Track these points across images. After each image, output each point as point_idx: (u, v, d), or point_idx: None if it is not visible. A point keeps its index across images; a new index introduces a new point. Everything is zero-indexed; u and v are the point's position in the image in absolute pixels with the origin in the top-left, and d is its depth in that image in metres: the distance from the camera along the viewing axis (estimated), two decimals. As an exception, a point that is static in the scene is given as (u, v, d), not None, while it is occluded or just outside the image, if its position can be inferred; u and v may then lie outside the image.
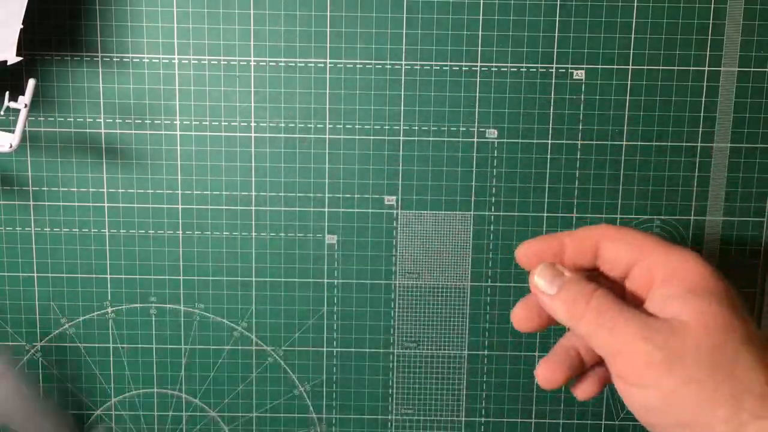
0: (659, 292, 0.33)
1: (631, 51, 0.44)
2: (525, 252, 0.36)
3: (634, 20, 0.44)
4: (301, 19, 0.44)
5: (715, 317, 0.31)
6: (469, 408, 0.48)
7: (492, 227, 0.46)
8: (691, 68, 0.45)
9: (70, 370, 0.48)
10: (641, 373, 0.31)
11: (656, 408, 0.31)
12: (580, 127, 0.45)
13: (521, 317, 0.37)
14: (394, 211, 0.46)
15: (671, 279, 0.33)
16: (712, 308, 0.32)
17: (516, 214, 0.46)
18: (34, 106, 0.45)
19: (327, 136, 0.45)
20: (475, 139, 0.45)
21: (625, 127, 0.45)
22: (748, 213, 0.46)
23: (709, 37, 0.44)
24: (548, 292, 0.35)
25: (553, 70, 0.45)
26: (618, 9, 0.44)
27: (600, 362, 0.36)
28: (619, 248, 0.35)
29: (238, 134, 0.45)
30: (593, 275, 0.36)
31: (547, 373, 0.36)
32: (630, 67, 0.45)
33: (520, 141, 0.45)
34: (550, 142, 0.45)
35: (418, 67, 0.45)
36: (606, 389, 0.48)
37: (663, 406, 0.31)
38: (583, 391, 0.37)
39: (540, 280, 0.35)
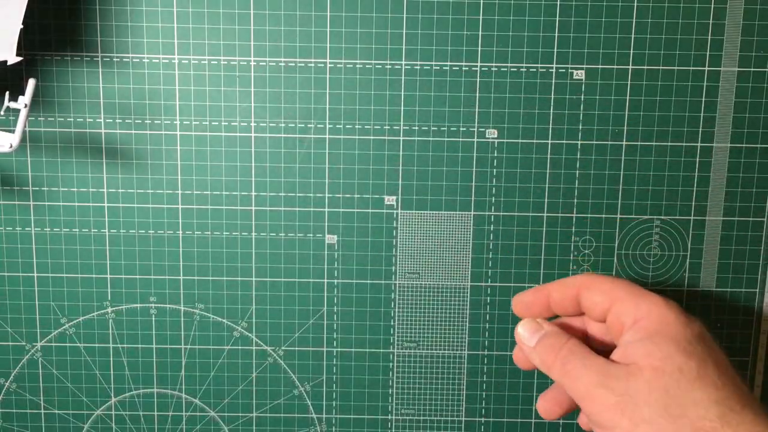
0: (624, 338, 0.37)
1: (631, 51, 0.44)
2: (519, 302, 0.42)
3: (634, 20, 0.44)
4: (301, 19, 0.44)
5: (667, 360, 0.34)
6: (469, 408, 0.48)
7: (492, 227, 0.46)
8: (691, 68, 0.45)
9: (70, 370, 0.48)
10: (601, 416, 0.35)
11: None
12: (580, 127, 0.45)
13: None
14: (394, 211, 0.46)
15: (635, 325, 0.37)
16: (666, 351, 0.35)
17: (516, 214, 0.46)
18: (34, 106, 0.45)
19: (327, 136, 0.45)
20: (475, 139, 0.45)
21: (625, 127, 0.45)
22: (748, 213, 0.46)
23: (709, 37, 0.44)
24: (528, 344, 0.40)
25: (553, 70, 0.45)
26: (618, 9, 0.44)
27: None
28: (594, 296, 0.39)
29: (238, 134, 0.45)
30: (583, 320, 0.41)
31: (547, 405, 0.42)
32: (630, 67, 0.44)
33: (520, 141, 0.45)
34: (550, 142, 0.45)
35: (418, 67, 0.45)
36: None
37: None
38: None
39: (523, 333, 0.40)
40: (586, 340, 0.41)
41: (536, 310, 0.41)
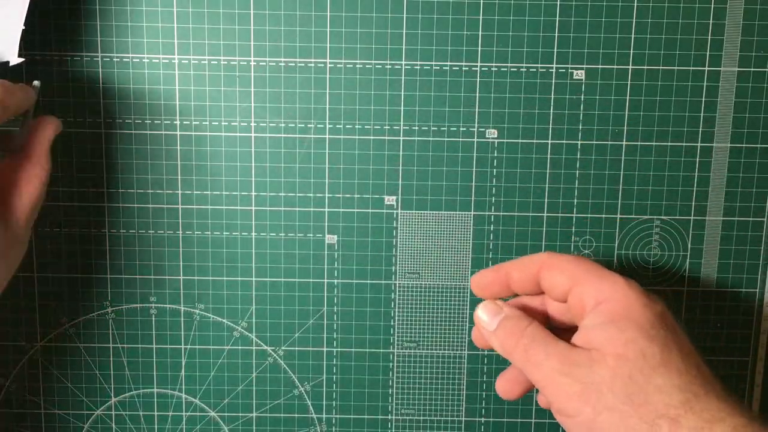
0: (585, 322, 0.36)
1: (631, 51, 0.44)
2: (478, 283, 0.40)
3: (634, 20, 0.44)
4: (301, 19, 0.44)
5: (630, 346, 0.34)
6: (469, 408, 0.48)
7: (492, 227, 0.46)
8: (691, 68, 0.45)
9: (70, 370, 0.48)
10: (564, 404, 0.34)
11: None
12: (580, 126, 0.45)
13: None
14: (394, 211, 0.46)
15: (597, 308, 0.36)
16: (629, 337, 0.34)
17: (516, 214, 0.46)
18: (34, 105, 0.45)
19: (327, 136, 0.45)
20: (475, 139, 0.45)
21: (625, 127, 0.45)
22: (748, 213, 0.46)
23: (709, 37, 0.44)
24: (488, 328, 0.39)
25: (553, 70, 0.45)
26: (618, 9, 0.44)
27: None
28: (554, 276, 0.38)
29: (238, 134, 0.45)
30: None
31: (507, 386, 0.41)
32: (630, 67, 0.45)
33: (520, 141, 0.45)
34: (550, 142, 0.45)
35: (418, 67, 0.45)
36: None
37: None
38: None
39: (482, 316, 0.39)
40: (546, 320, 0.40)
41: (496, 289, 0.40)
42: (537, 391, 0.41)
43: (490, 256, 0.47)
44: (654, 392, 0.33)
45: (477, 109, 0.45)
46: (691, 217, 0.46)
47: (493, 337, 0.38)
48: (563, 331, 0.38)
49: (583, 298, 0.36)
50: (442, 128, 0.45)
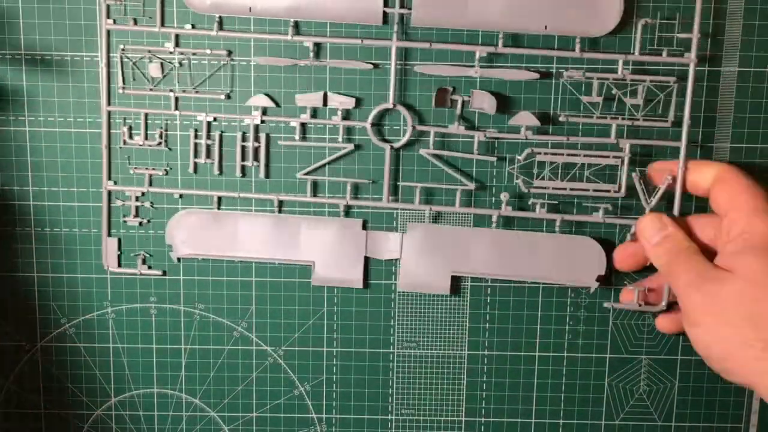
0: (729, 246, 0.40)
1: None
2: (655, 168, 0.44)
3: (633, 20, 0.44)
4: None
5: (760, 274, 0.38)
6: (469, 408, 0.48)
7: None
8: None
9: (70, 370, 0.48)
10: (690, 314, 0.40)
11: (704, 343, 0.39)
12: (580, 127, 0.45)
13: (621, 259, 0.45)
14: (395, 211, 0.46)
15: (741, 235, 0.40)
16: (761, 266, 0.38)
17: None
18: (34, 106, 0.45)
19: (328, 138, 0.46)
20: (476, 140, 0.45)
21: (625, 127, 0.45)
22: (748, 213, 0.46)
23: (709, 37, 0.44)
24: (650, 241, 0.43)
25: (554, 70, 0.45)
26: (618, 9, 0.44)
27: None
28: (721, 195, 0.42)
29: (237, 134, 0.45)
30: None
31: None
32: (630, 67, 0.44)
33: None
34: (549, 143, 0.45)
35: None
36: (606, 389, 0.48)
37: (708, 342, 0.39)
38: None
39: (646, 229, 0.43)
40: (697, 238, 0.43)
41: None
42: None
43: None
44: None
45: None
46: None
47: (654, 251, 0.43)
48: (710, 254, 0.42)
49: (734, 223, 0.40)
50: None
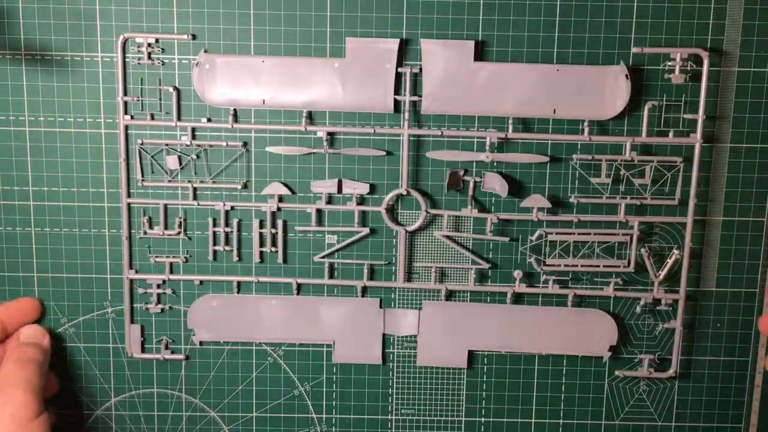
0: None
1: (631, 51, 0.44)
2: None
3: (634, 20, 0.44)
4: (301, 18, 0.44)
5: None
6: (469, 408, 0.48)
7: (492, 227, 0.46)
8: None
9: (70, 370, 0.48)
10: None
11: None
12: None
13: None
14: (394, 211, 0.46)
15: None
16: None
17: (516, 215, 0.46)
18: (34, 106, 0.45)
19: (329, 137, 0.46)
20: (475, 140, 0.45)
21: (625, 127, 0.45)
22: (748, 213, 0.46)
23: (709, 38, 0.44)
24: None
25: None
26: (618, 9, 0.44)
27: None
28: None
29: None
30: None
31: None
32: (630, 66, 0.44)
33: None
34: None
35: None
36: (606, 389, 0.48)
37: None
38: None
39: None
40: None
41: None
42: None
43: (490, 255, 0.47)
44: None
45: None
46: (692, 218, 0.46)
47: None
48: None
49: None
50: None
